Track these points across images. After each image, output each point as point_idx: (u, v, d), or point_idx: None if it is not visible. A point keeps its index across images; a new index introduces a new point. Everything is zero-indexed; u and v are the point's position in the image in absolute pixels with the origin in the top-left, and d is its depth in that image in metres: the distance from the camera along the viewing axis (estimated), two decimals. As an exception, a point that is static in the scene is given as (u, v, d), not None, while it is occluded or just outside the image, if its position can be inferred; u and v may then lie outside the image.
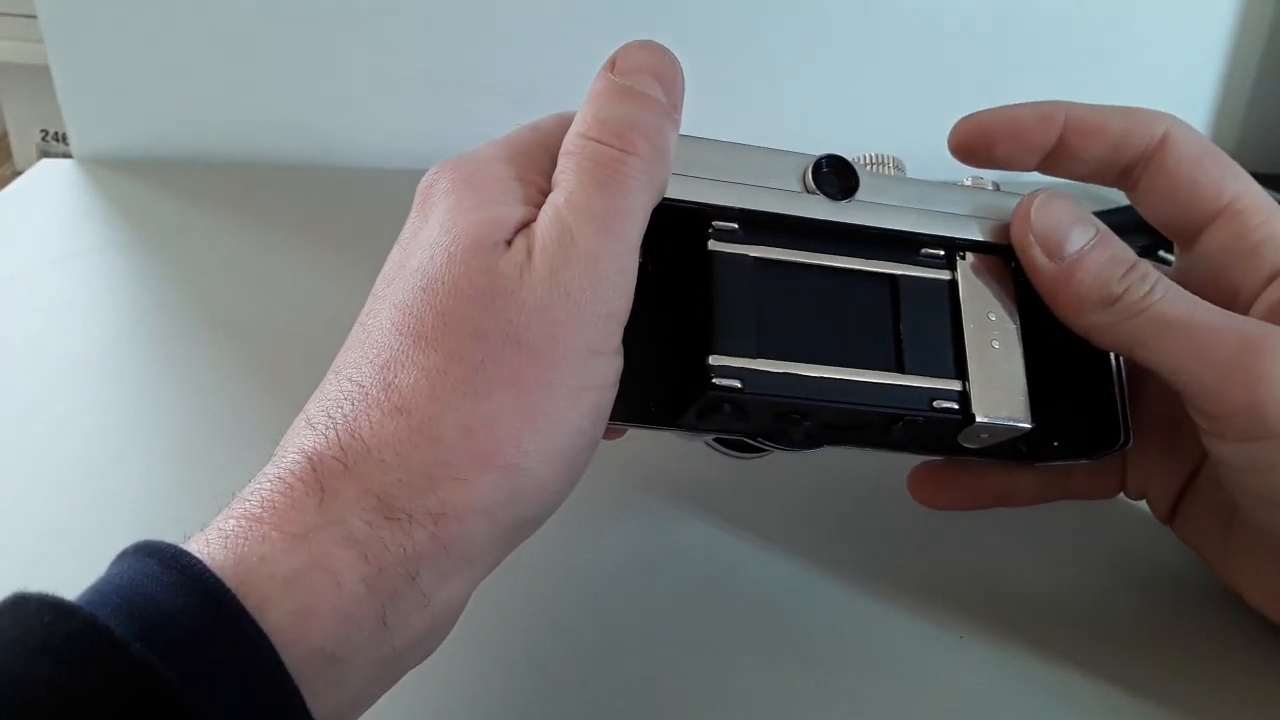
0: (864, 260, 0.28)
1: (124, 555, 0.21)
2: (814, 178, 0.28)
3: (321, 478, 0.21)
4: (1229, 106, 0.64)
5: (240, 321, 0.46)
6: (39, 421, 0.39)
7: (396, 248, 0.27)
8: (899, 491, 0.36)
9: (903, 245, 0.29)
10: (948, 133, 0.31)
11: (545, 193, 0.26)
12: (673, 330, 0.27)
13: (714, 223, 0.27)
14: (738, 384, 0.26)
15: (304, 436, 0.23)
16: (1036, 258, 0.28)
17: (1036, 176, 0.31)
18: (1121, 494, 0.32)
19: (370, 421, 0.22)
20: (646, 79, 0.26)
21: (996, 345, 0.28)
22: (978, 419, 0.27)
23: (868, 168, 0.29)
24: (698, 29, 0.59)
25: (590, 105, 0.26)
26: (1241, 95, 0.64)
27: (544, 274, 0.24)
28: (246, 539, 0.20)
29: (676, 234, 0.27)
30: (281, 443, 0.23)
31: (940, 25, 0.60)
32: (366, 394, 0.23)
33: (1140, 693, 0.29)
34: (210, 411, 0.40)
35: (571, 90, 0.66)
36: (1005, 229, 0.29)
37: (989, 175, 0.30)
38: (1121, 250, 0.28)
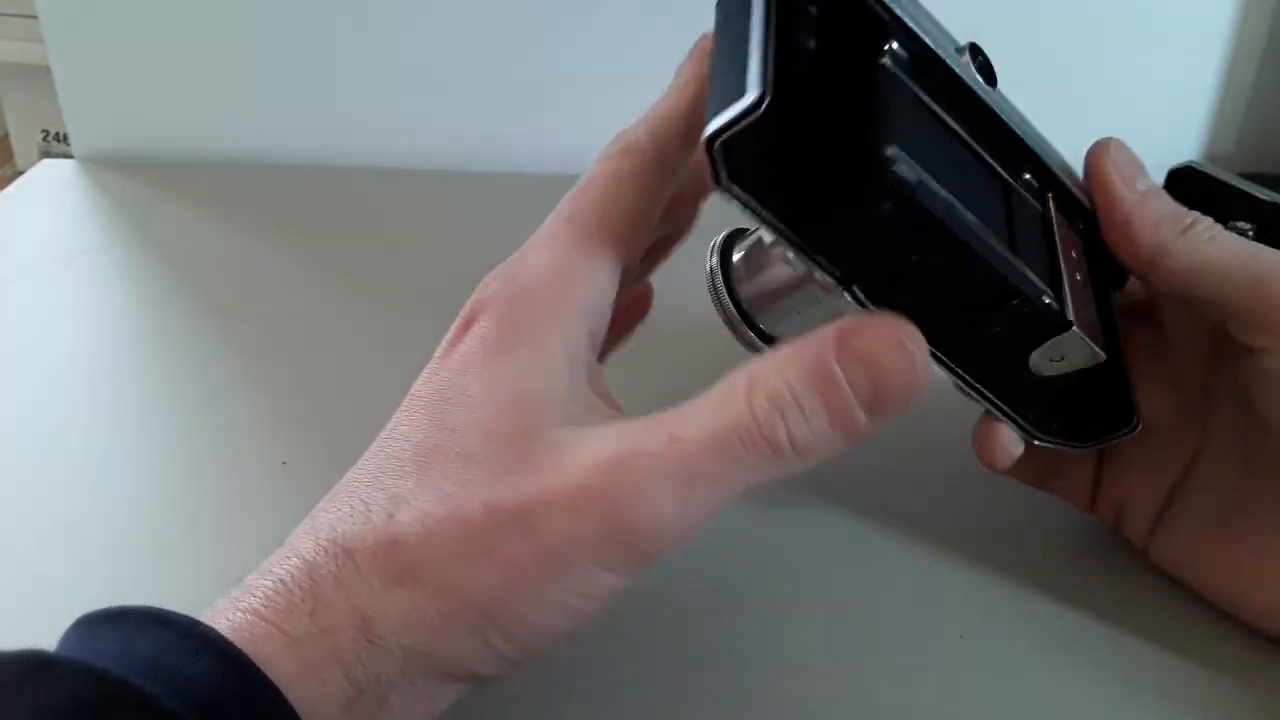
0: (987, 152, 0.28)
1: (130, 620, 0.21)
2: (971, 56, 0.28)
3: (316, 586, 0.22)
4: (1228, 106, 0.64)
5: (240, 321, 0.46)
6: (39, 421, 0.39)
7: (436, 365, 0.26)
8: (899, 491, 0.36)
9: (1015, 157, 0.29)
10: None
11: (595, 331, 0.26)
12: (824, 120, 0.24)
13: (891, 43, 0.26)
14: (913, 179, 0.23)
15: (307, 543, 0.23)
16: (1117, 184, 0.29)
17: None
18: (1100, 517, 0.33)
19: (364, 546, 0.22)
20: (865, 389, 0.22)
21: (1079, 279, 0.29)
22: (1073, 327, 0.27)
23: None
24: (696, 19, 0.59)
25: (790, 367, 0.22)
26: (1241, 95, 0.64)
27: (593, 483, 0.22)
28: (252, 634, 0.21)
29: (849, 30, 0.26)
30: (288, 540, 0.24)
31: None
32: (369, 516, 0.23)
33: (1142, 692, 0.29)
34: (210, 411, 0.40)
35: (570, 89, 0.66)
36: (1075, 193, 0.30)
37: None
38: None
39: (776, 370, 0.22)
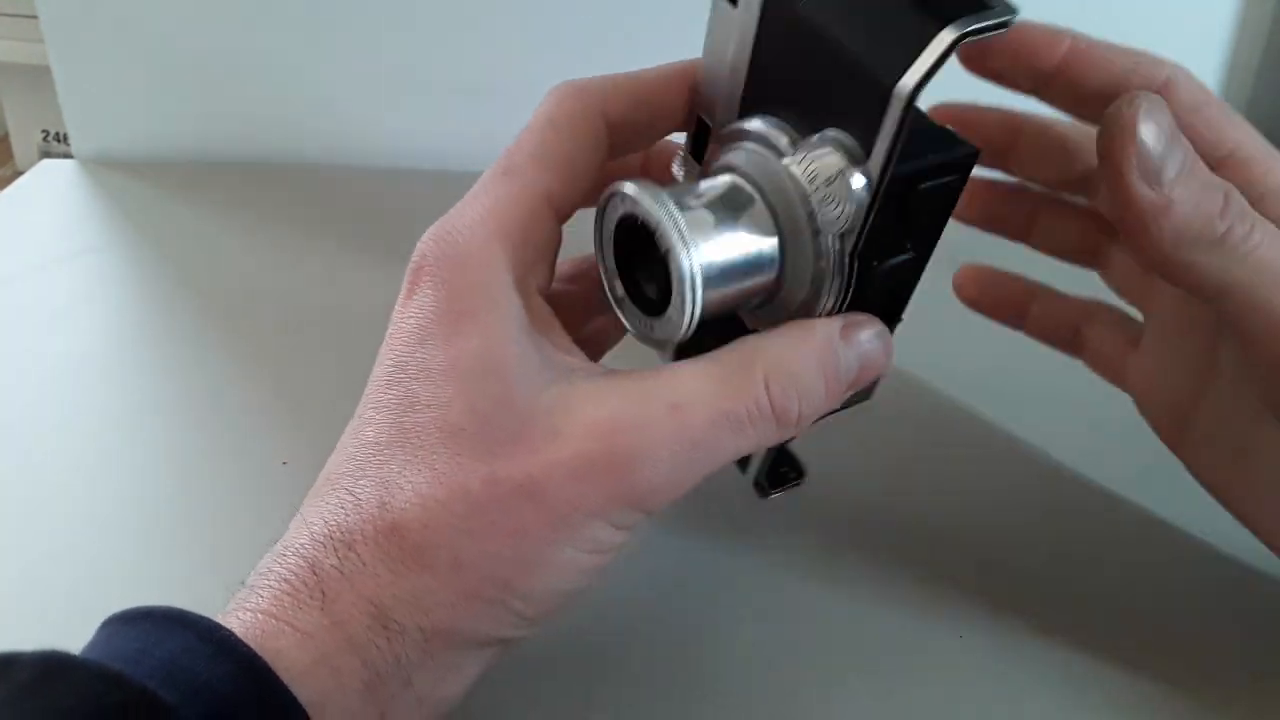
0: None
1: (152, 621, 0.21)
2: None
3: (322, 582, 0.22)
4: (1229, 105, 0.64)
5: (240, 321, 0.46)
6: (39, 421, 0.39)
7: (390, 341, 0.25)
8: (898, 491, 0.36)
9: None
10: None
11: (542, 286, 0.26)
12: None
13: None
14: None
15: (302, 539, 0.23)
16: (1135, 184, 0.24)
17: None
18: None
19: (364, 536, 0.22)
20: (854, 374, 0.25)
21: None
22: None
23: None
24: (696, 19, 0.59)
25: (802, 352, 0.24)
26: (1242, 94, 0.64)
27: (595, 449, 0.23)
28: (264, 632, 0.21)
29: None
30: (282, 540, 0.24)
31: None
32: (361, 507, 0.23)
33: (1142, 691, 0.29)
34: (210, 411, 0.40)
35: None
36: None
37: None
38: (1209, 175, 0.25)
39: (792, 354, 0.24)
